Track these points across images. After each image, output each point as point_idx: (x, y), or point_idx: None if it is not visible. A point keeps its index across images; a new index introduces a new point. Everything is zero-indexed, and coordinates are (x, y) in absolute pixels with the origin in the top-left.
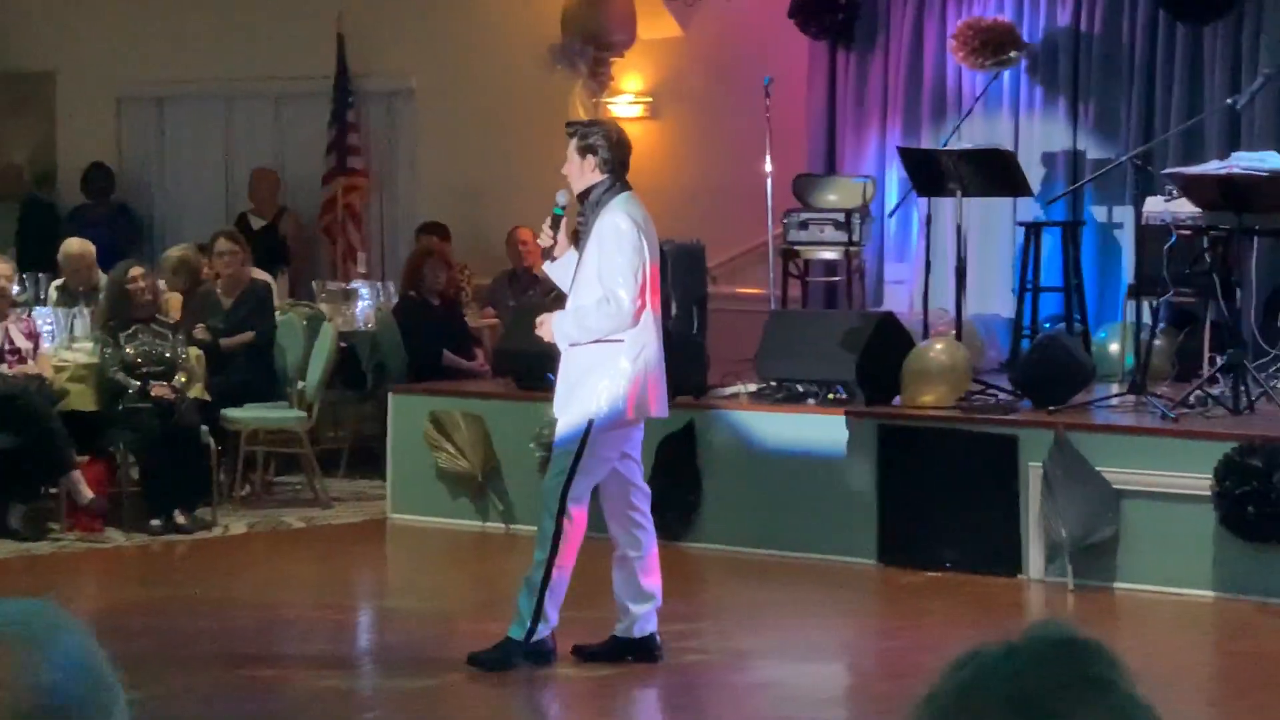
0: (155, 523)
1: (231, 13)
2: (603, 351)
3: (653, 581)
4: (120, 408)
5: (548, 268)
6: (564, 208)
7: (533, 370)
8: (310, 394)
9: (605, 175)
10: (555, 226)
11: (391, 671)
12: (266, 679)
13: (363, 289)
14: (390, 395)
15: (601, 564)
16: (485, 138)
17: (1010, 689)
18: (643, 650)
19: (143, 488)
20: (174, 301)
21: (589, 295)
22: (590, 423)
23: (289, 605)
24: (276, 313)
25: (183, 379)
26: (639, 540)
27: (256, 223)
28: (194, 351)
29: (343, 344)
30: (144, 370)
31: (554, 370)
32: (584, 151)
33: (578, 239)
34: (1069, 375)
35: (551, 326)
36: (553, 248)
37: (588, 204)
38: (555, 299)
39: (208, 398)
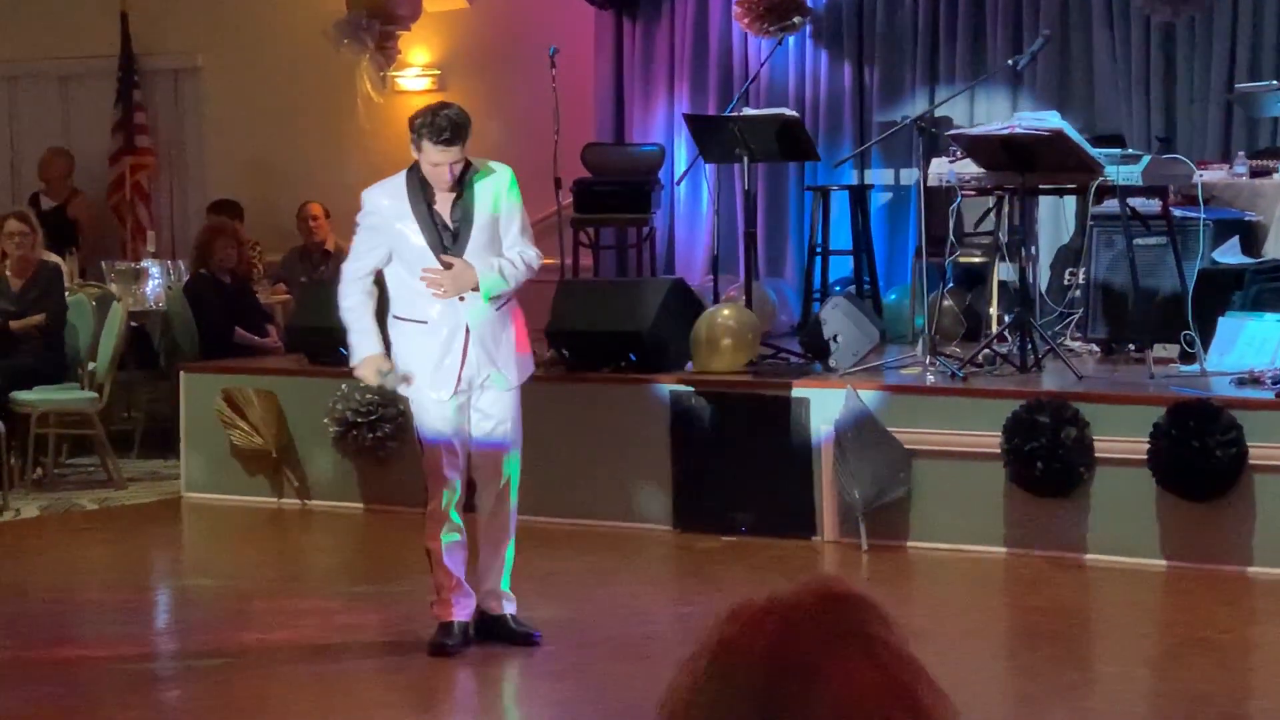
0: None
1: None
2: (506, 311)
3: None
4: None
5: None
6: None
7: (325, 346)
8: (101, 375)
9: None
10: None
11: (190, 650)
12: (63, 661)
13: (153, 268)
14: (182, 373)
15: (394, 537)
16: (273, 114)
17: (770, 645)
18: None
19: None
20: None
21: (493, 252)
22: (519, 389)
23: (84, 588)
24: (66, 294)
25: None
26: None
27: (47, 203)
28: None
29: (134, 324)
30: None
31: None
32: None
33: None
34: (859, 337)
35: (477, 276)
36: None
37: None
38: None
39: None
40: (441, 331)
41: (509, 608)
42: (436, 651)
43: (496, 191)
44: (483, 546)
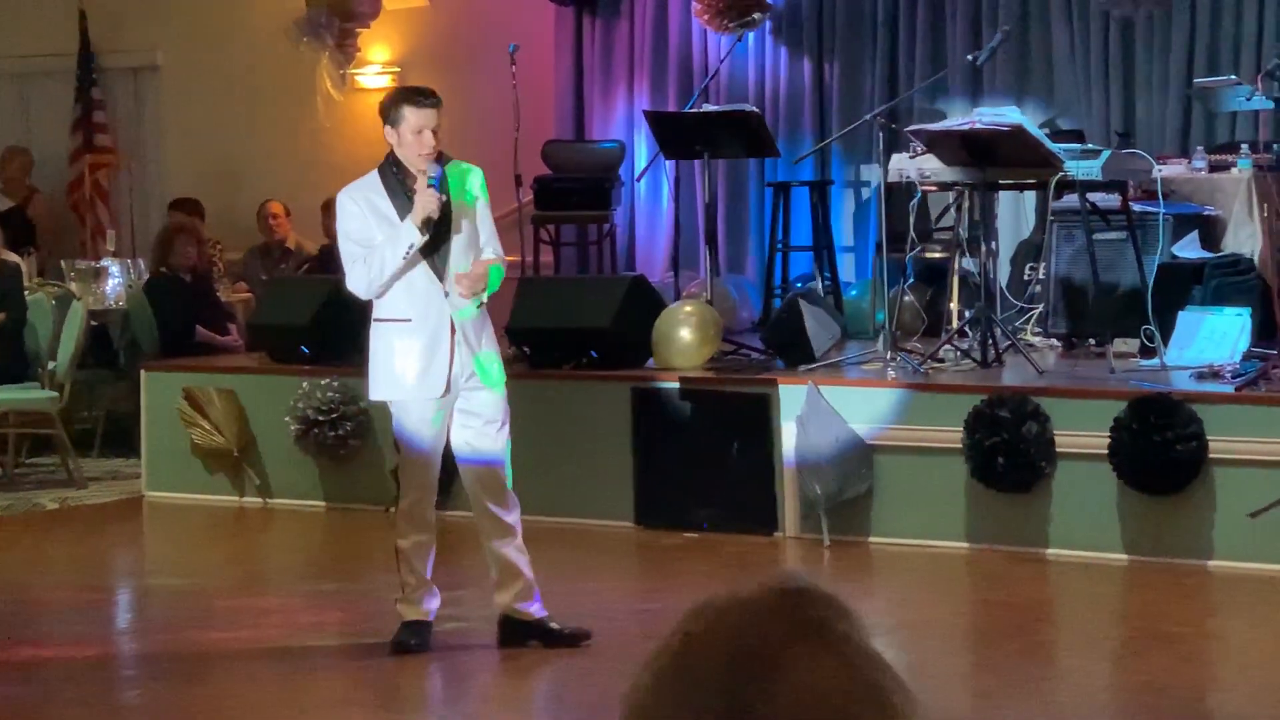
0: None
1: None
2: (484, 310)
3: None
4: None
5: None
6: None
7: (286, 344)
8: (61, 374)
9: None
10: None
11: (152, 650)
12: (23, 662)
13: (113, 267)
14: (143, 372)
15: (356, 535)
16: (234, 112)
17: (733, 640)
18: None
19: None
20: None
21: (476, 253)
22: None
23: (45, 587)
24: (26, 293)
25: None
26: None
27: (4, 203)
28: None
29: (94, 322)
30: None
31: (323, 343)
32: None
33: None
34: (820, 333)
35: (489, 274)
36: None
37: (443, 169)
38: (307, 272)
39: None
40: (426, 330)
41: (542, 610)
42: (399, 650)
43: (471, 189)
44: (498, 554)
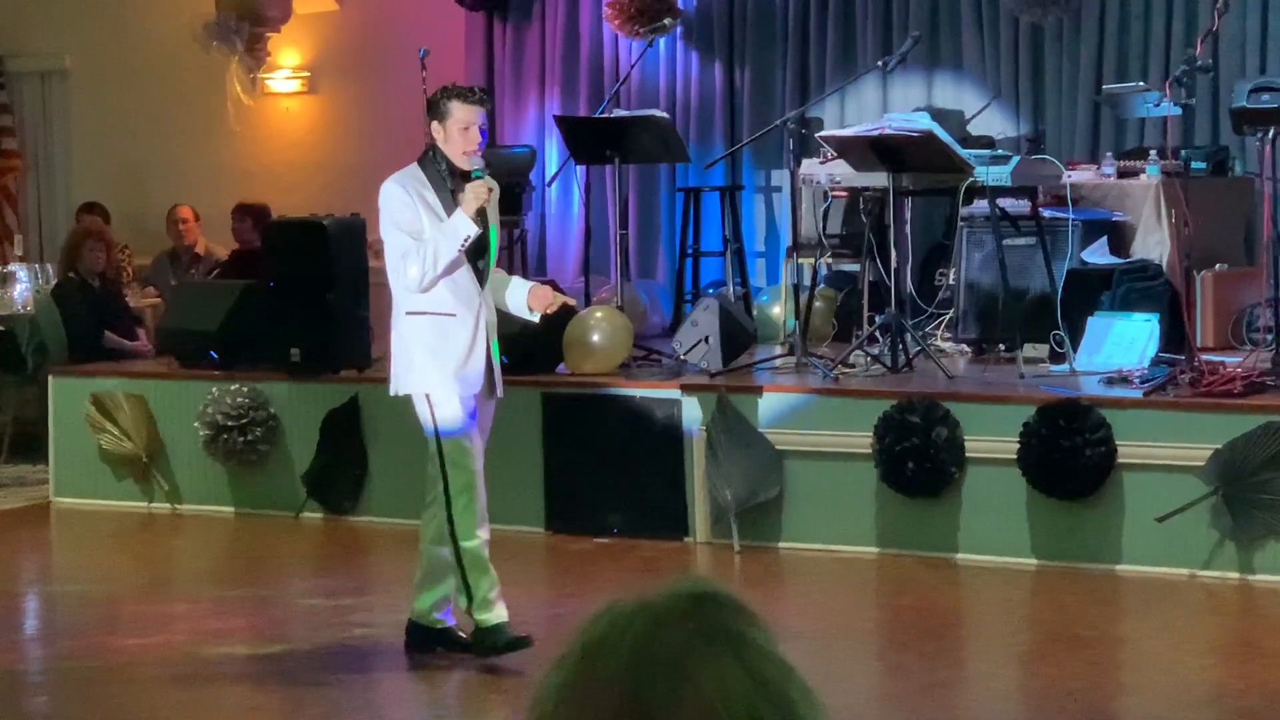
0: None
1: None
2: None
3: None
4: None
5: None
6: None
7: (195, 349)
8: None
9: None
10: None
11: (59, 656)
12: None
13: (20, 271)
14: (50, 378)
15: (265, 541)
16: (143, 116)
17: (638, 644)
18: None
19: None
20: None
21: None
22: None
23: None
24: None
25: None
26: None
27: None
28: None
29: (1, 327)
30: None
31: (232, 349)
32: None
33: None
34: (730, 338)
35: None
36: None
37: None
38: (217, 277)
39: None
40: (469, 326)
41: (451, 619)
42: (513, 646)
43: (495, 201)
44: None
